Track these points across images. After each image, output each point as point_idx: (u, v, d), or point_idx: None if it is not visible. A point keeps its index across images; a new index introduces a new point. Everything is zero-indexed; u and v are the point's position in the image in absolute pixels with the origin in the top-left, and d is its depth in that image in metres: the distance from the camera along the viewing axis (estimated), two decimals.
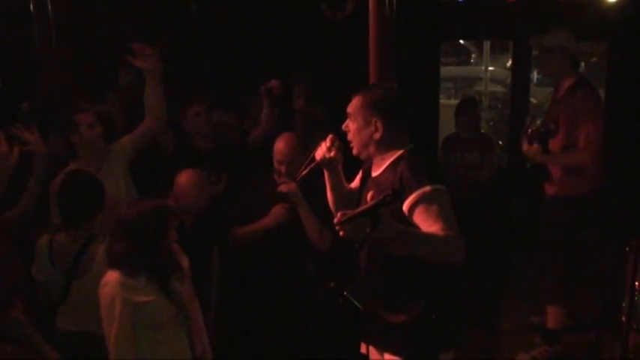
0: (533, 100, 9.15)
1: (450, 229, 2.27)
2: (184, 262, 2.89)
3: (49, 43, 4.66)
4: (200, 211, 3.46)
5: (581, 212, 4.01)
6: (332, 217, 2.43)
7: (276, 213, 3.44)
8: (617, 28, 6.20)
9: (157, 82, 3.70)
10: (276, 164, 3.45)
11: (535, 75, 10.13)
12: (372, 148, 2.51)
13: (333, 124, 4.66)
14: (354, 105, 2.52)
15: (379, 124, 2.45)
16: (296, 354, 3.44)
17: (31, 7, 4.69)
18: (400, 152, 2.48)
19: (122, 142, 3.81)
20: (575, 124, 3.83)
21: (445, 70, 8.81)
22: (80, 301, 2.97)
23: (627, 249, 3.34)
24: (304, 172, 2.75)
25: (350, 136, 2.55)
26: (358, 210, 2.23)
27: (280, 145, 3.43)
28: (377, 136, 2.46)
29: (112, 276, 2.67)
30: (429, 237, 2.27)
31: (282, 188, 3.38)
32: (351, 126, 2.54)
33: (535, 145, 3.94)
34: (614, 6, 6.06)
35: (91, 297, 2.80)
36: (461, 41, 9.86)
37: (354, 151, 2.56)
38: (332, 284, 2.20)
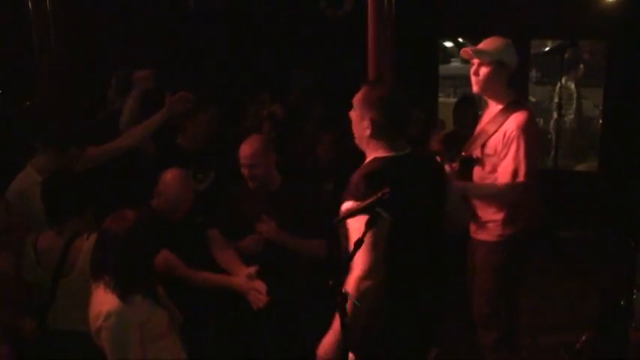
0: (532, 98, 9.13)
1: (363, 269, 2.31)
2: None
3: (48, 43, 4.65)
4: (184, 208, 3.40)
5: (514, 255, 3.46)
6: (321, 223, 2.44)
7: (247, 247, 3.37)
8: (616, 27, 6.21)
9: (164, 120, 3.88)
10: (242, 168, 3.39)
11: (534, 73, 10.11)
12: (364, 144, 2.56)
13: (331, 121, 4.73)
14: (356, 97, 2.55)
15: (369, 123, 2.49)
16: (294, 353, 3.43)
17: (30, 5, 4.68)
18: (376, 156, 2.52)
19: (85, 151, 3.77)
20: (505, 152, 3.28)
21: (444, 69, 8.80)
22: (67, 300, 2.96)
23: (626, 248, 3.35)
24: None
25: (353, 125, 2.60)
26: (356, 207, 2.24)
27: (244, 149, 3.37)
28: (367, 132, 2.50)
29: (108, 305, 2.57)
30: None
31: (262, 229, 3.32)
32: (352, 116, 2.58)
33: (454, 165, 3.42)
34: (613, 5, 6.06)
35: (78, 295, 2.80)
36: (460, 39, 9.83)
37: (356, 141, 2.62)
38: (330, 282, 2.20)
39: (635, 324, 3.45)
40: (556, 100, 8.41)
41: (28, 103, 5.25)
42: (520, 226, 3.40)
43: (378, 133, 2.49)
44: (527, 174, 3.23)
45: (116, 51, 6.00)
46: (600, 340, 3.94)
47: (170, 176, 3.37)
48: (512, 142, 3.26)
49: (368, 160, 2.55)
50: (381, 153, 2.52)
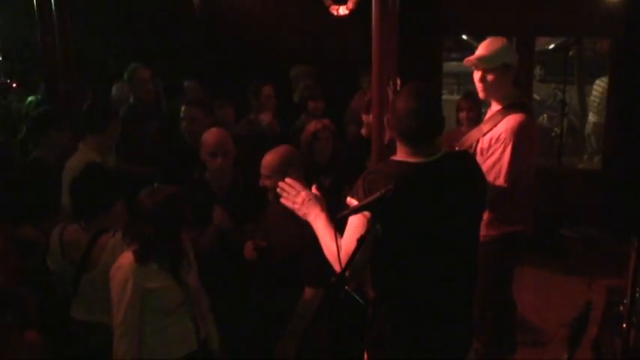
0: (535, 96, 9.14)
1: (344, 251, 2.25)
2: (191, 252, 2.96)
3: (52, 40, 4.67)
4: (226, 165, 3.62)
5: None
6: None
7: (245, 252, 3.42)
8: (620, 25, 6.18)
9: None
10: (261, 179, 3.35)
11: (538, 71, 10.11)
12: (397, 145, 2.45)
13: (332, 118, 4.73)
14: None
15: (390, 129, 2.46)
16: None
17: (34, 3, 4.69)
18: (393, 158, 2.42)
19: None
20: (490, 152, 3.28)
21: (448, 66, 8.80)
22: (91, 293, 3.01)
23: (629, 246, 3.34)
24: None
25: None
26: (358, 204, 2.23)
27: (264, 157, 3.30)
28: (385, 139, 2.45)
29: (125, 259, 2.72)
30: (325, 237, 2.38)
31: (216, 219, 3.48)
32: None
33: None
34: (618, 3, 6.03)
35: (101, 289, 2.85)
36: (464, 37, 9.83)
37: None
38: (333, 279, 2.20)
39: (638, 322, 3.45)
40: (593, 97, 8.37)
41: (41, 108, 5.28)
42: (508, 228, 3.39)
43: (409, 137, 2.34)
44: (508, 178, 3.22)
45: (117, 47, 6.01)
46: (601, 339, 3.94)
47: (211, 135, 3.61)
48: (499, 144, 3.25)
49: (385, 160, 2.47)
50: (398, 156, 2.40)
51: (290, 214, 3.22)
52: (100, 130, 3.87)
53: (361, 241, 2.15)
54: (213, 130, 3.72)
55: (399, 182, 2.21)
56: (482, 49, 3.37)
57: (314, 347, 3.30)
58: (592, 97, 8.20)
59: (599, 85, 8.15)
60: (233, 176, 3.74)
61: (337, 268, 2.28)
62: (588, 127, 8.38)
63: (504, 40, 3.37)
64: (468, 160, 2.62)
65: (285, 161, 3.21)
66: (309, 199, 2.51)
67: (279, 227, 3.27)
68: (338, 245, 2.27)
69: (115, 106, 5.23)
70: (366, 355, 2.54)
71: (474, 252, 2.50)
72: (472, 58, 3.36)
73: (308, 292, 3.11)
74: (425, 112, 2.32)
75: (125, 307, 2.66)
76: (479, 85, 3.39)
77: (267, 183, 3.24)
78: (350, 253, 2.20)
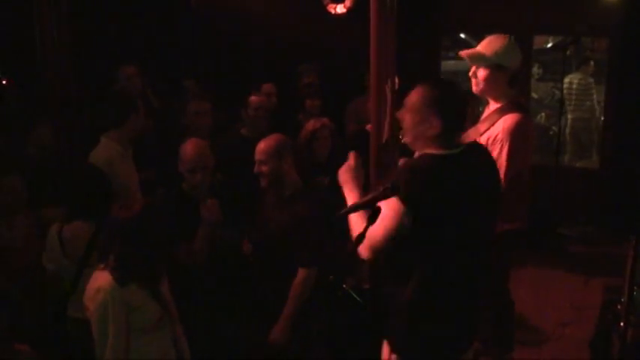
0: (533, 95, 9.11)
1: (370, 239, 2.27)
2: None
3: (51, 41, 4.65)
4: (206, 177, 3.46)
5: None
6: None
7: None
8: (618, 23, 6.19)
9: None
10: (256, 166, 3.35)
11: (536, 70, 10.09)
12: (420, 143, 2.45)
13: (333, 116, 4.73)
14: (413, 98, 2.44)
15: (438, 123, 2.37)
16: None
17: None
18: (427, 152, 2.42)
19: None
20: (490, 148, 3.22)
21: (446, 65, 8.79)
22: None
23: (627, 244, 3.34)
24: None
25: (404, 126, 2.50)
26: (358, 202, 2.24)
27: (259, 144, 3.31)
28: (430, 132, 2.38)
29: (103, 280, 2.63)
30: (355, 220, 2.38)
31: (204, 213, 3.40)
32: (407, 117, 2.46)
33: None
34: (616, 2, 6.04)
35: None
36: (462, 35, 9.81)
37: (407, 140, 2.52)
38: (331, 277, 2.20)
39: (636, 320, 3.46)
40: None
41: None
42: (505, 227, 3.33)
43: (444, 132, 2.38)
44: (505, 178, 3.20)
45: (117, 45, 6.00)
46: (599, 338, 3.94)
47: (189, 146, 3.46)
48: (496, 144, 3.25)
49: (419, 155, 2.46)
50: (434, 150, 2.41)
51: (281, 201, 3.26)
52: (121, 123, 3.87)
53: (395, 238, 2.22)
54: (193, 141, 3.55)
55: (430, 175, 2.29)
56: (480, 46, 3.37)
57: (308, 332, 3.31)
58: (566, 96, 8.19)
59: (569, 82, 8.16)
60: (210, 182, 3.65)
61: (356, 246, 2.31)
62: (570, 125, 8.38)
63: (505, 39, 3.32)
64: (486, 152, 2.70)
65: (280, 146, 3.27)
66: (348, 171, 2.63)
67: (272, 215, 3.30)
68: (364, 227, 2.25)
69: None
70: (385, 346, 2.54)
71: (490, 248, 2.55)
72: (466, 52, 3.38)
73: (301, 272, 3.12)
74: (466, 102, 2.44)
75: (114, 329, 2.59)
76: (472, 80, 3.42)
77: (263, 169, 3.26)
78: (378, 242, 2.29)
